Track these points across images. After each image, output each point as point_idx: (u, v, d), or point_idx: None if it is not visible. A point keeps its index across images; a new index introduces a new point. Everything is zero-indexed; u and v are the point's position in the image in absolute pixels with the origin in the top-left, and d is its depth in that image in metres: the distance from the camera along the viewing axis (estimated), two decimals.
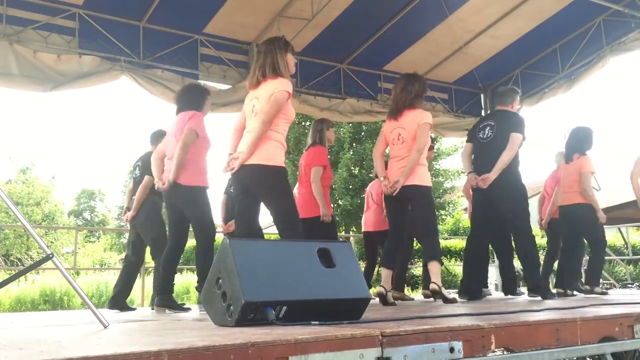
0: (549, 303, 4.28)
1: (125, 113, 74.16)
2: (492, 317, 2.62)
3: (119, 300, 5.50)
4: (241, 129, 4.06)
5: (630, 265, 15.27)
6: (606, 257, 7.31)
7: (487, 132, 5.38)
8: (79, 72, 6.53)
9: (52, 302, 10.87)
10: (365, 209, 7.12)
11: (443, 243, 16.55)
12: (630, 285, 10.14)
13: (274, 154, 3.82)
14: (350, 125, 18.63)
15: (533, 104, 9.10)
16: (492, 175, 5.10)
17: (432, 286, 4.60)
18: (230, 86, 7.55)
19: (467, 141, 5.73)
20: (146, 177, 5.45)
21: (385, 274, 4.82)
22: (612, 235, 18.15)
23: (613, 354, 2.52)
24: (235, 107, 7.47)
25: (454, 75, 9.23)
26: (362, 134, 20.11)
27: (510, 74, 9.29)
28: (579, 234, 6.22)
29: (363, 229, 7.05)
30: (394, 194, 4.65)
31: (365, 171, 19.47)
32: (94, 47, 6.66)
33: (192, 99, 4.94)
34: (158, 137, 5.66)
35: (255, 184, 3.87)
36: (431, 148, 6.21)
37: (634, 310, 2.76)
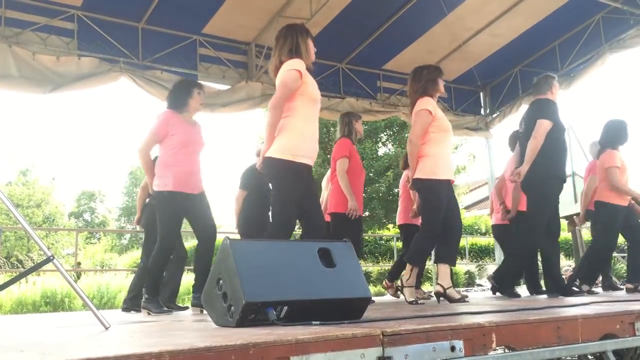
0: (550, 301, 4.28)
1: (124, 114, 74.15)
2: (492, 315, 2.62)
3: (134, 303, 5.44)
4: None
5: None
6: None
7: (522, 125, 5.24)
8: (78, 73, 6.53)
9: (53, 304, 10.86)
10: (399, 200, 7.08)
11: None
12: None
13: (285, 145, 3.57)
14: None
15: None
16: (524, 167, 4.87)
17: (436, 287, 4.49)
18: (229, 86, 7.55)
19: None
20: (145, 180, 5.42)
21: (439, 269, 4.58)
22: None
23: (614, 352, 2.52)
24: (234, 107, 7.47)
25: (454, 74, 9.23)
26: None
27: (509, 72, 9.30)
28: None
29: (399, 222, 6.97)
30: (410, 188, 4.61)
31: (365, 170, 19.47)
32: (92, 49, 6.66)
33: (172, 98, 4.75)
34: None
35: (268, 178, 3.69)
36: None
37: (635, 308, 2.76)
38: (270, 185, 3.79)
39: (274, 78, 3.75)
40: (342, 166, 5.35)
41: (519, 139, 5.31)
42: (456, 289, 4.72)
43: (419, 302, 4.51)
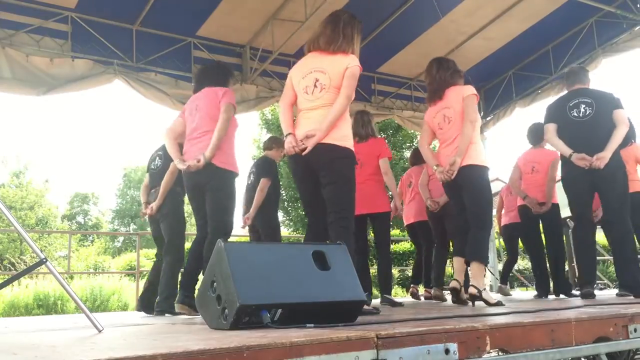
0: (545, 304, 4.29)
1: (118, 116, 74.01)
2: (486, 318, 2.62)
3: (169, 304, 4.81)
4: (291, 105, 3.69)
5: None
6: (600, 257, 7.30)
7: (582, 110, 4.88)
8: (72, 75, 6.51)
9: (46, 306, 10.82)
10: (405, 200, 6.74)
11: None
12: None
13: (346, 136, 3.51)
14: None
15: (526, 105, 9.13)
16: (608, 153, 4.62)
17: (470, 289, 4.09)
18: None
19: (548, 121, 5.09)
20: (173, 164, 4.80)
21: (458, 263, 4.42)
22: (604, 235, 18.20)
23: (608, 354, 2.53)
24: None
25: None
26: None
27: (503, 76, 9.33)
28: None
29: (407, 222, 6.74)
30: (452, 177, 4.18)
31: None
32: (86, 51, 6.65)
33: (220, 77, 4.59)
34: None
35: (327, 165, 3.42)
36: None
37: (628, 311, 2.77)
38: (326, 172, 3.47)
39: (314, 55, 3.68)
40: (388, 165, 5.37)
41: (580, 124, 4.86)
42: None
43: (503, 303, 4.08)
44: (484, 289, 4.05)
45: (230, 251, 2.49)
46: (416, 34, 8.00)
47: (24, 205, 30.81)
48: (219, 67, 4.76)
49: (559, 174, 5.70)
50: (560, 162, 5.26)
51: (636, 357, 4.13)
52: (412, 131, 16.79)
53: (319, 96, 3.52)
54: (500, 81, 9.40)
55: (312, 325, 2.28)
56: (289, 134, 3.52)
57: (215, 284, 2.53)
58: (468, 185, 4.20)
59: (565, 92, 5.24)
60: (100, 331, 2.62)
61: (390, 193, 5.88)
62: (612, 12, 7.60)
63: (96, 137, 69.83)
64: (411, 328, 2.05)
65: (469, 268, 4.40)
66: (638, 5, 7.51)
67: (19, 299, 10.94)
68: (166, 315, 4.67)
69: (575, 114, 4.90)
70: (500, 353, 2.28)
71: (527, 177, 6.08)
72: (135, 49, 6.98)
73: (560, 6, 7.62)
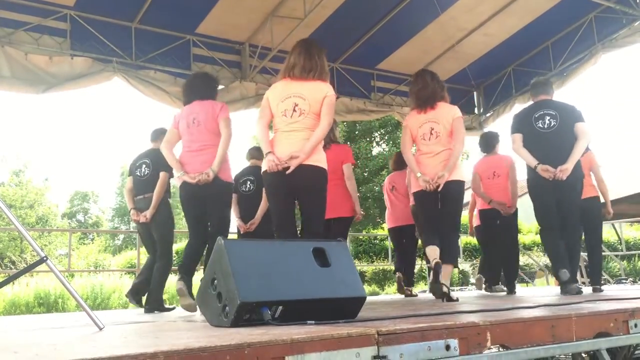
0: (544, 299, 4.29)
1: (118, 114, 73.97)
2: (487, 314, 2.62)
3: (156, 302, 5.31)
4: (268, 125, 3.97)
5: (624, 261, 15.34)
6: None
7: (547, 121, 5.05)
8: (71, 73, 6.50)
9: (46, 304, 10.83)
10: (388, 205, 7.01)
11: None
12: (624, 281, 10.18)
13: (323, 157, 3.87)
14: (345, 124, 18.64)
15: (526, 101, 9.09)
16: (570, 165, 4.85)
17: (443, 288, 4.45)
18: (223, 86, 7.53)
19: (515, 132, 5.24)
20: (162, 174, 5.25)
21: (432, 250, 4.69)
22: (606, 231, 18.20)
23: (608, 350, 2.53)
24: (228, 106, 7.45)
25: (447, 74, 9.24)
26: (357, 132, 20.12)
27: (503, 72, 9.32)
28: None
29: (391, 225, 6.94)
30: (438, 189, 4.55)
31: (359, 170, 19.48)
32: (85, 49, 6.64)
33: (208, 89, 4.76)
34: (159, 134, 5.55)
35: (311, 184, 3.81)
36: None
37: (628, 306, 2.77)
38: (307, 190, 3.89)
39: (291, 83, 3.91)
40: (351, 170, 5.64)
41: (545, 135, 5.04)
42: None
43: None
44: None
45: (231, 248, 2.49)
46: (415, 30, 7.99)
47: (24, 204, 30.82)
48: (208, 79, 4.91)
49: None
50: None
51: (637, 352, 4.14)
52: None
53: (298, 120, 3.81)
54: (500, 77, 9.40)
55: (313, 322, 2.28)
56: (270, 152, 3.83)
57: (215, 281, 2.53)
58: (450, 197, 4.61)
59: (531, 102, 5.43)
60: (101, 329, 2.62)
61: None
62: (612, 8, 7.60)
63: (96, 135, 69.84)
64: (412, 324, 2.05)
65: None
66: (637, 1, 7.50)
67: (20, 297, 10.95)
68: (155, 312, 5.04)
69: (541, 125, 5.07)
70: (500, 349, 2.28)
71: (489, 182, 6.32)
72: (134, 46, 6.97)
73: (560, 2, 7.61)
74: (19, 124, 63.65)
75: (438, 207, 4.67)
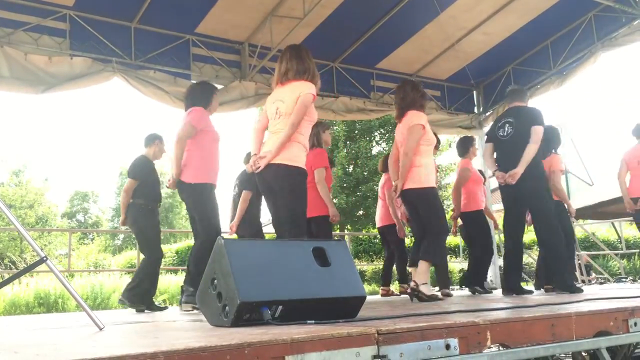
0: (543, 298, 4.29)
1: (117, 114, 73.97)
2: (487, 313, 2.63)
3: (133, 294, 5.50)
4: (263, 130, 4.14)
5: (624, 260, 15.34)
6: (600, 252, 7.37)
7: (506, 129, 5.35)
8: (70, 73, 6.50)
9: (46, 304, 10.82)
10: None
11: None
12: (624, 280, 10.18)
13: (297, 155, 3.90)
14: (345, 123, 18.64)
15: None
16: (519, 169, 5.04)
17: (412, 283, 4.65)
18: (222, 86, 7.53)
19: (486, 141, 5.65)
20: (129, 180, 5.60)
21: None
22: (605, 230, 18.23)
23: (608, 349, 2.53)
24: (228, 106, 7.46)
25: (447, 73, 9.25)
26: (356, 132, 20.12)
27: (502, 71, 9.32)
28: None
29: (377, 225, 7.39)
30: (397, 197, 4.92)
31: (359, 169, 19.49)
32: (85, 49, 6.63)
33: (197, 96, 4.93)
34: (152, 140, 5.69)
35: (279, 183, 3.90)
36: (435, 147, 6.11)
37: (628, 305, 2.77)
38: (278, 188, 3.97)
39: (275, 89, 4.13)
40: (322, 175, 5.70)
41: (504, 142, 5.36)
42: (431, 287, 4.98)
43: (439, 297, 4.72)
44: (424, 283, 4.56)
45: (230, 248, 2.49)
46: (415, 29, 7.99)
47: (24, 204, 30.78)
48: (197, 87, 5.11)
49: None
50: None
51: (637, 350, 4.14)
52: None
53: (278, 122, 3.98)
54: (500, 76, 9.40)
55: (313, 321, 2.28)
56: (254, 154, 4.05)
57: (215, 281, 2.53)
58: (417, 205, 4.78)
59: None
60: (101, 329, 2.62)
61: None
62: (611, 7, 7.59)
63: (95, 135, 69.82)
64: (412, 324, 2.05)
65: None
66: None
67: (20, 297, 10.93)
68: (127, 306, 5.35)
69: (501, 134, 5.39)
70: (500, 348, 2.28)
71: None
72: (133, 46, 6.96)
73: (559, 1, 7.61)
74: (18, 124, 63.64)
75: (418, 215, 4.87)
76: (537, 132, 5.11)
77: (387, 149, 20.28)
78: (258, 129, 4.16)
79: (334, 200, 18.55)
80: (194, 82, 5.65)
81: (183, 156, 4.67)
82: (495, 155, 5.48)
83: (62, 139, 67.49)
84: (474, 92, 9.88)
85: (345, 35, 7.98)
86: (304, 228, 3.95)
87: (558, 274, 5.19)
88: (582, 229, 12.86)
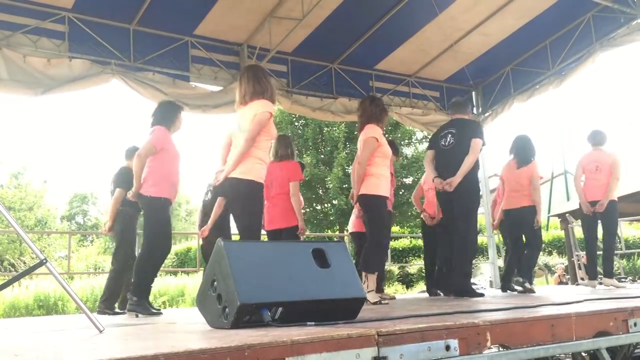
0: (544, 299, 4.29)
1: (116, 116, 73.94)
2: (486, 314, 2.63)
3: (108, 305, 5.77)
4: (227, 146, 4.37)
5: (624, 260, 15.34)
6: (599, 252, 7.38)
7: (448, 140, 5.67)
8: (69, 75, 6.49)
9: (46, 307, 10.82)
10: None
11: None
12: (623, 280, 10.19)
13: (251, 169, 4.12)
14: (344, 125, 18.64)
15: (524, 101, 9.13)
16: (457, 178, 5.37)
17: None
18: (221, 87, 7.53)
19: (428, 148, 5.99)
20: (118, 190, 5.86)
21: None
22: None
23: (608, 349, 2.53)
24: (226, 108, 7.45)
25: (445, 73, 9.25)
26: (356, 133, 20.11)
27: (501, 71, 9.32)
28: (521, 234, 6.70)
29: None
30: (354, 203, 5.35)
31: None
32: (84, 51, 6.63)
33: (161, 116, 5.19)
34: (133, 152, 5.74)
35: (233, 194, 4.19)
36: (394, 155, 6.21)
37: (628, 305, 2.78)
38: (232, 200, 4.34)
39: (238, 109, 4.40)
40: (296, 188, 5.92)
41: (445, 152, 5.64)
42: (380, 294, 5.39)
43: (382, 302, 4.96)
44: (369, 291, 4.77)
45: (230, 250, 2.49)
46: (414, 30, 7.99)
47: (23, 206, 30.73)
48: (161, 107, 5.34)
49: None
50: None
51: (636, 351, 4.14)
52: (411, 128, 16.77)
53: (239, 138, 4.22)
54: (498, 77, 9.39)
55: (313, 323, 2.28)
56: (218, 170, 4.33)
57: (215, 283, 2.53)
58: (365, 211, 5.13)
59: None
60: (101, 331, 2.62)
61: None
62: (609, 7, 7.60)
63: (94, 137, 69.81)
64: (412, 325, 2.05)
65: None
66: (635, 0, 7.51)
67: (20, 300, 10.94)
68: (106, 314, 5.48)
69: (443, 143, 5.72)
70: (500, 348, 2.28)
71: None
72: (132, 48, 6.95)
73: (558, 1, 7.61)
74: (17, 126, 63.60)
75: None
76: (475, 145, 5.45)
77: None
78: (223, 145, 4.42)
79: (334, 201, 18.57)
80: (163, 100, 5.76)
81: (144, 171, 4.96)
82: (434, 162, 5.77)
83: (61, 141, 67.49)
84: (473, 92, 9.88)
85: (344, 36, 7.98)
86: (259, 238, 4.26)
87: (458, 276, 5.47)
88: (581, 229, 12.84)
